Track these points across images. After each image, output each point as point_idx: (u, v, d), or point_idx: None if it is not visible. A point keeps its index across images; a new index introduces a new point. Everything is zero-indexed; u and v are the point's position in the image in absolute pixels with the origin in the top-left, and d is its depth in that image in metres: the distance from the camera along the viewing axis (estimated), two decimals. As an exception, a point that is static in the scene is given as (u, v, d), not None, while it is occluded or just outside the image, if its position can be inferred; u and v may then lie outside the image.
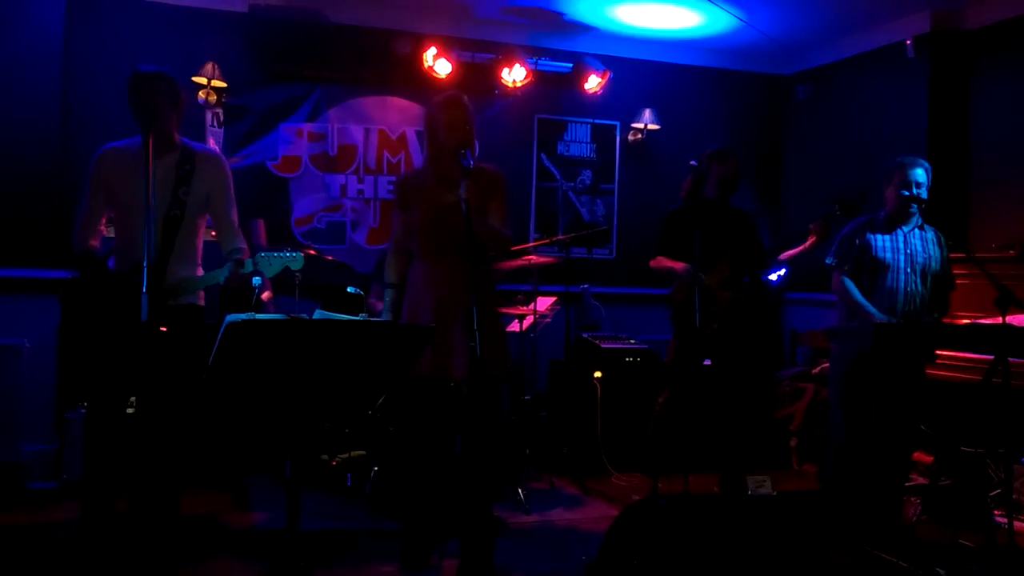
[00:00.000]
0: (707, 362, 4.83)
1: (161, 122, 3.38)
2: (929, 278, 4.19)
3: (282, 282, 5.23)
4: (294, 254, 3.35)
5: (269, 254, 3.33)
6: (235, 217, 3.64)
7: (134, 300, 3.12)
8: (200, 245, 3.61)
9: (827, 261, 4.29)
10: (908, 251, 4.15)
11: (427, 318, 3.59)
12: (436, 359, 3.56)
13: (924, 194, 4.16)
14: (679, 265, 4.67)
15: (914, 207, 4.16)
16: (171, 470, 3.48)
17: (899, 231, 4.19)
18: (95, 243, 3.53)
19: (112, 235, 3.61)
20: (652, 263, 4.87)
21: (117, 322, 3.28)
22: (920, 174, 4.14)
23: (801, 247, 4.74)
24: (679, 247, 4.70)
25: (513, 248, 5.33)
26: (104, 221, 3.59)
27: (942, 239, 4.28)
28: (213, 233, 3.71)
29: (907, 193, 4.13)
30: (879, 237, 4.18)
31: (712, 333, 4.64)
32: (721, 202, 4.81)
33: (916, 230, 4.21)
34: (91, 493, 3.46)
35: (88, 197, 3.53)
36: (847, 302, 4.18)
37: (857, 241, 4.18)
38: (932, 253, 4.20)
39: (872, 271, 4.15)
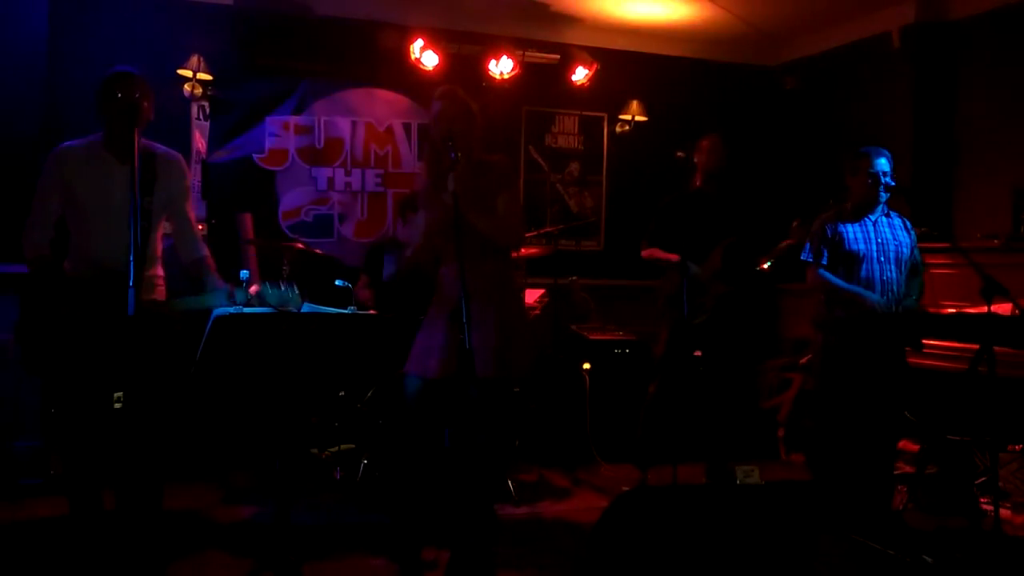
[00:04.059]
0: (697, 353, 4.86)
1: (140, 126, 3.33)
2: (903, 264, 4.21)
3: (270, 276, 5.22)
4: (295, 294, 3.25)
5: (273, 290, 3.21)
6: (194, 219, 3.57)
7: (97, 306, 3.09)
8: (159, 247, 3.55)
9: (802, 258, 4.30)
10: (879, 240, 4.17)
11: (442, 318, 3.56)
12: (449, 361, 3.51)
13: (890, 182, 4.20)
14: (674, 257, 4.69)
15: (882, 196, 4.18)
16: (149, 465, 3.46)
17: (867, 220, 4.20)
18: (46, 248, 3.43)
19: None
20: (644, 253, 4.90)
21: (81, 326, 3.23)
22: (884, 163, 4.17)
23: (777, 249, 4.81)
24: (671, 238, 4.72)
25: (528, 235, 5.34)
26: (53, 224, 3.48)
27: (908, 224, 4.30)
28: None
29: (885, 181, 4.15)
30: (849, 228, 4.19)
31: (701, 324, 4.66)
32: (711, 192, 4.82)
33: (883, 218, 4.23)
34: (73, 490, 3.44)
35: (43, 196, 3.41)
36: (833, 294, 4.19)
37: (829, 234, 4.19)
38: (902, 239, 4.22)
39: (847, 263, 4.16)
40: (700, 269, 4.63)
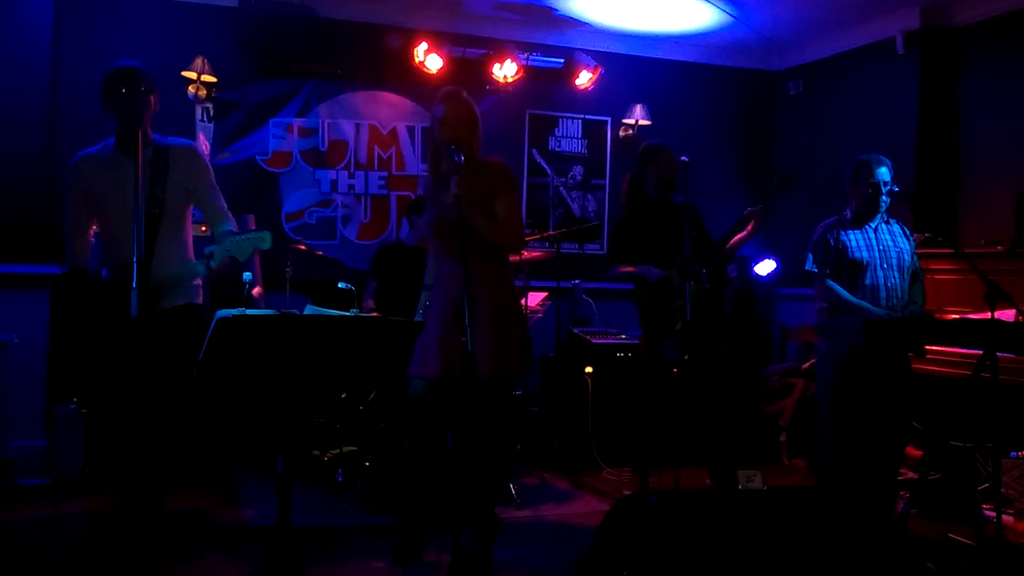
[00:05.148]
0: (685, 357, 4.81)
1: (145, 119, 3.35)
2: (905, 271, 4.22)
3: (273, 278, 5.23)
4: (261, 233, 3.30)
5: (238, 238, 3.29)
6: (222, 203, 3.58)
7: (125, 301, 3.11)
8: (188, 240, 3.57)
9: (807, 268, 4.29)
10: (880, 247, 4.18)
11: (438, 318, 3.58)
12: (445, 360, 3.53)
13: (893, 188, 4.20)
14: (632, 269, 4.69)
15: (883, 204, 4.18)
16: (160, 467, 3.47)
17: (867, 228, 4.21)
18: (87, 256, 3.49)
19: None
20: (610, 272, 4.86)
21: (116, 324, 3.26)
22: (885, 172, 4.17)
23: (740, 235, 4.75)
24: (634, 251, 4.71)
25: (528, 238, 5.33)
26: (92, 229, 3.54)
27: (907, 231, 4.32)
28: (204, 228, 3.68)
29: (887, 189, 4.15)
30: (852, 236, 4.19)
31: (684, 329, 4.63)
32: (664, 200, 4.80)
33: (883, 225, 4.25)
34: (121, 486, 3.44)
35: (71, 208, 3.47)
36: (838, 304, 4.19)
37: (832, 242, 4.19)
38: (903, 246, 4.24)
39: (851, 271, 4.16)
40: (668, 274, 4.61)
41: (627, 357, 5.74)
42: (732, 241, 4.80)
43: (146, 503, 3.42)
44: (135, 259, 2.99)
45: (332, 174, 6.18)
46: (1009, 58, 5.56)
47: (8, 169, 5.03)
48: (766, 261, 5.37)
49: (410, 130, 6.32)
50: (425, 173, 6.19)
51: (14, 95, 5.08)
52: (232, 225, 3.54)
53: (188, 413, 4.08)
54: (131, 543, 3.38)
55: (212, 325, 2.86)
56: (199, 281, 3.57)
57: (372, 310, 5.01)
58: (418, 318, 3.82)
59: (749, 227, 4.70)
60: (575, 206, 6.83)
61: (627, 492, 4.85)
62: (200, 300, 3.57)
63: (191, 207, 3.58)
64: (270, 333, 2.94)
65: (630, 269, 4.75)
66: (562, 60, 6.45)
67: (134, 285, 2.96)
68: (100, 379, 3.36)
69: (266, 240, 3.30)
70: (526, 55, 6.30)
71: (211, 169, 3.62)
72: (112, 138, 3.44)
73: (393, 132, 6.30)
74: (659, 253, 4.64)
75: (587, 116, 6.83)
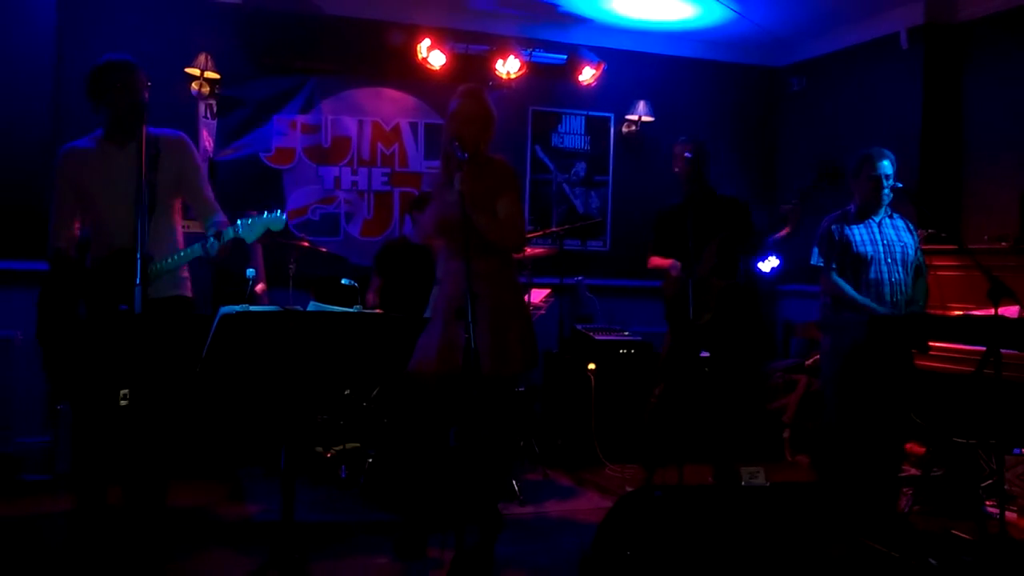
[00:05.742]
0: (705, 353, 4.84)
1: (144, 112, 3.34)
2: (909, 266, 4.22)
3: (276, 275, 5.23)
4: (274, 215, 3.29)
5: (249, 219, 3.27)
6: (210, 193, 3.56)
7: (111, 287, 3.10)
8: (179, 229, 3.56)
9: (813, 262, 4.30)
10: (885, 242, 4.19)
11: (441, 315, 3.58)
12: (444, 356, 3.54)
13: (896, 184, 4.20)
14: (666, 262, 4.72)
15: (885, 197, 4.18)
16: (158, 462, 3.47)
17: (871, 222, 4.22)
18: (68, 243, 3.46)
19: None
20: (648, 265, 4.92)
21: (96, 313, 3.25)
22: (887, 165, 4.18)
23: (780, 234, 4.73)
24: (667, 244, 4.74)
25: (531, 235, 5.34)
26: (77, 224, 3.52)
27: (911, 225, 4.32)
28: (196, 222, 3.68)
29: (889, 183, 4.16)
30: (856, 230, 4.20)
31: (707, 323, 4.65)
32: (698, 194, 4.79)
33: (887, 219, 4.25)
34: (82, 485, 3.44)
35: (58, 198, 3.45)
36: (843, 300, 4.20)
37: (837, 237, 4.20)
38: (906, 240, 4.24)
39: (855, 266, 4.17)
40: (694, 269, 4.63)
41: (630, 354, 5.75)
42: (774, 238, 4.80)
43: (144, 499, 3.42)
44: (139, 255, 2.98)
45: (335, 170, 6.18)
46: (1013, 54, 5.54)
47: (11, 165, 5.04)
48: (769, 258, 5.36)
49: (413, 126, 6.32)
50: (430, 169, 6.21)
51: (17, 91, 5.09)
52: (222, 216, 3.53)
53: (190, 407, 4.09)
54: (131, 539, 3.38)
55: (216, 321, 2.86)
56: (187, 274, 3.55)
57: (375, 305, 5.02)
58: (428, 314, 3.83)
59: (786, 229, 4.69)
60: (578, 203, 6.83)
61: (630, 488, 4.86)
62: (189, 294, 3.55)
63: (180, 200, 3.57)
64: (274, 330, 2.94)
65: (659, 263, 4.78)
66: (565, 56, 6.44)
67: (137, 281, 2.96)
68: (88, 372, 3.33)
69: (279, 222, 3.27)
70: (529, 51, 6.30)
71: (200, 161, 3.61)
72: (100, 130, 3.43)
73: (396, 128, 6.30)
74: (692, 245, 4.63)
75: (590, 112, 6.83)
